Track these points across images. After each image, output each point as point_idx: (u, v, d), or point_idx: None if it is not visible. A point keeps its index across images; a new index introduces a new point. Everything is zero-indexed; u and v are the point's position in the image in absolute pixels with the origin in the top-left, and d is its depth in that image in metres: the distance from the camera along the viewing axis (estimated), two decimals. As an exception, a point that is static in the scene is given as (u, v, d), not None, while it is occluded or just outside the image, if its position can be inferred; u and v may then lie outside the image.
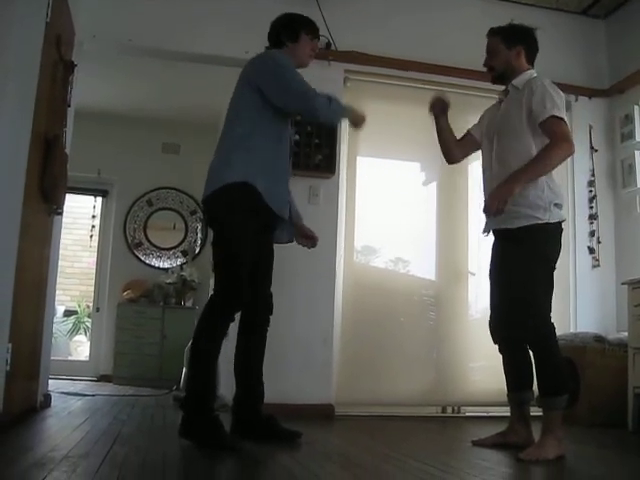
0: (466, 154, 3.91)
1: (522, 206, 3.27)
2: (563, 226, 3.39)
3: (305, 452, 3.14)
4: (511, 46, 3.47)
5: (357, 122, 3.48)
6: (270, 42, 3.56)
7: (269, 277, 3.54)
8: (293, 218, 3.67)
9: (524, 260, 3.30)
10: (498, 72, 3.52)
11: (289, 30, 3.48)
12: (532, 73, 3.45)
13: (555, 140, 3.20)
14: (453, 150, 3.85)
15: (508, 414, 5.01)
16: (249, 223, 3.23)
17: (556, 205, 3.30)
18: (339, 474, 2.58)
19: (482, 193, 3.58)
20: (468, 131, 3.85)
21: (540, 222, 3.25)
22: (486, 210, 3.28)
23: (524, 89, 3.37)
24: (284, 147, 3.41)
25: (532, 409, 3.56)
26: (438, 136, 3.88)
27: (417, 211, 5.49)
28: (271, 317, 3.54)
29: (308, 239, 3.77)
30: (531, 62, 3.52)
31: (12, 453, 2.67)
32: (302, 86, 3.25)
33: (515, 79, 3.45)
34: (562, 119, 3.23)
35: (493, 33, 3.56)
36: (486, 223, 3.52)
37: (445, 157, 3.91)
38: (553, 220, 3.28)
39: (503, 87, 3.61)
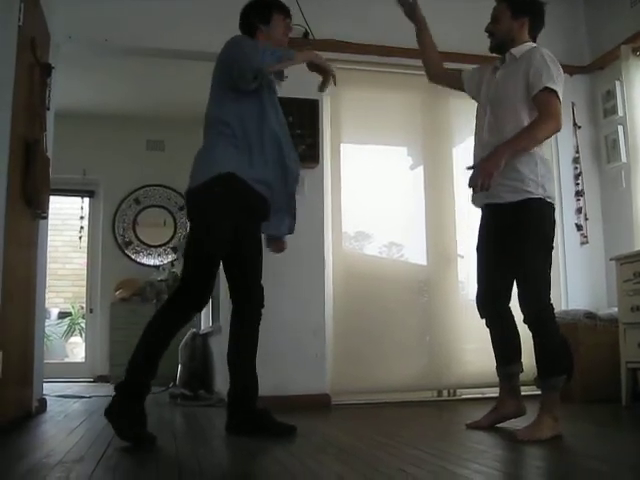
0: (448, 83, 3.89)
1: (514, 180, 3.23)
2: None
3: (300, 445, 3.13)
4: (517, 16, 3.39)
5: (314, 64, 3.40)
6: (242, 28, 3.49)
7: (259, 270, 3.51)
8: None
9: (525, 237, 3.25)
10: (498, 39, 3.44)
11: (260, 12, 3.42)
12: (532, 44, 3.38)
13: (543, 115, 3.17)
14: (436, 68, 3.85)
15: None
16: (229, 222, 3.21)
17: (550, 182, 3.29)
18: (334, 466, 2.58)
19: (472, 159, 3.47)
20: (460, 71, 3.80)
21: (533, 197, 3.21)
22: (472, 184, 3.20)
23: (522, 59, 3.31)
24: (272, 127, 3.32)
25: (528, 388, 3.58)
26: (421, 52, 3.89)
27: (405, 196, 5.50)
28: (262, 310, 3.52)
29: (279, 250, 3.78)
30: (534, 36, 3.45)
31: (5, 461, 2.66)
32: (247, 54, 3.14)
33: (514, 48, 3.38)
34: (555, 92, 3.16)
35: (501, 0, 3.48)
36: (474, 197, 3.45)
37: (427, 73, 3.90)
38: (546, 197, 3.23)
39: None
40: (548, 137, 3.27)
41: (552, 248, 3.32)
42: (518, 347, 3.47)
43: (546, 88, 3.17)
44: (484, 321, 3.56)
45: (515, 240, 3.28)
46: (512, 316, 3.47)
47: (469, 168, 3.27)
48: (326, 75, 3.44)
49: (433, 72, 3.85)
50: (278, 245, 3.72)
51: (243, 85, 3.19)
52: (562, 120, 3.23)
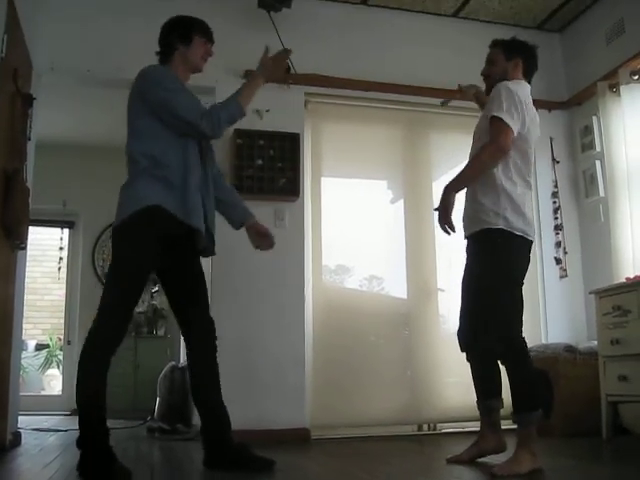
0: None
1: (478, 211, 3.33)
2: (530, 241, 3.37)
3: (280, 480, 3.10)
4: (510, 57, 3.50)
5: (268, 71, 3.37)
6: (160, 46, 3.40)
7: (204, 301, 3.40)
8: (242, 219, 3.58)
9: (484, 267, 3.31)
10: (493, 81, 3.50)
11: (181, 32, 3.33)
12: (518, 82, 3.44)
13: (486, 144, 3.26)
14: None
15: (484, 429, 5.05)
16: (149, 258, 3.13)
17: (515, 214, 3.27)
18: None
19: None
20: None
21: (492, 227, 3.25)
22: (441, 228, 3.31)
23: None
24: (193, 158, 3.23)
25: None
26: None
27: (386, 229, 5.51)
28: (217, 342, 3.41)
29: (263, 237, 3.61)
30: (528, 78, 3.55)
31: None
32: (187, 113, 3.14)
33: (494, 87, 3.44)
34: (500, 119, 3.21)
35: (495, 44, 3.61)
36: (463, 230, 3.51)
37: None
38: (508, 228, 3.25)
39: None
40: (493, 162, 3.27)
41: (517, 279, 3.32)
42: (498, 382, 3.47)
43: (493, 117, 3.25)
44: (464, 355, 3.56)
45: (477, 270, 3.35)
46: None
47: (435, 210, 3.36)
48: (283, 59, 3.45)
49: None
50: (260, 236, 3.59)
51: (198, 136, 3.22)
52: (507, 144, 3.22)
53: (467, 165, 3.32)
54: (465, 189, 3.44)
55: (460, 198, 3.39)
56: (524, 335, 3.28)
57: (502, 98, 3.25)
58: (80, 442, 3.01)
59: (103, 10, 4.88)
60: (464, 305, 3.51)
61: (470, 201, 3.37)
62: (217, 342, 3.40)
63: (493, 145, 3.23)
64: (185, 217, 3.15)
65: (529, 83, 3.54)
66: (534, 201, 5.50)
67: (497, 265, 3.28)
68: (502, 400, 3.50)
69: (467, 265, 3.51)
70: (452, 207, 3.24)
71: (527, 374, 3.22)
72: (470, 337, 3.46)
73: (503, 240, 3.26)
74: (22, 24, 3.92)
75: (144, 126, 3.19)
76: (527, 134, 3.34)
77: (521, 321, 3.28)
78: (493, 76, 3.53)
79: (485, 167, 3.27)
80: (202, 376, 3.36)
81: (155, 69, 3.29)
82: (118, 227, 3.15)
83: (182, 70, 3.36)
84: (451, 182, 3.31)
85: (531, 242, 3.37)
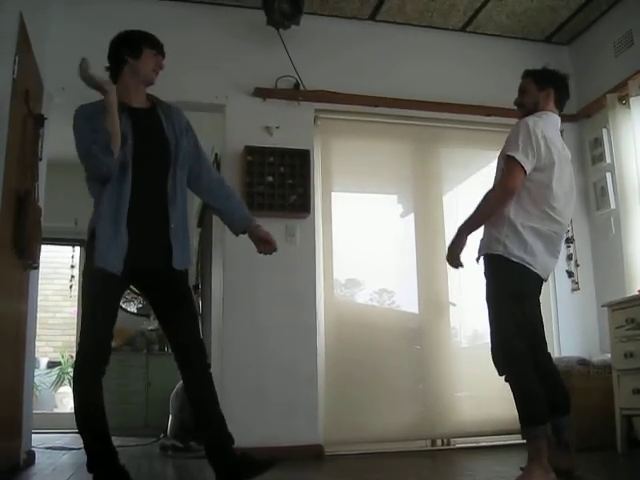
0: None
1: (485, 237, 3.46)
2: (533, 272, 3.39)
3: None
4: (542, 88, 3.55)
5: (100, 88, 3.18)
6: (110, 60, 3.37)
7: (190, 324, 3.31)
8: (241, 226, 3.47)
9: (488, 291, 3.42)
10: (527, 110, 3.56)
11: (130, 46, 3.27)
12: (541, 114, 3.49)
13: (495, 185, 3.38)
14: None
15: (498, 443, 5.04)
16: (102, 293, 3.11)
17: (515, 241, 3.32)
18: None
19: None
20: None
21: (493, 253, 3.35)
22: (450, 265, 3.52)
23: None
24: (126, 192, 3.14)
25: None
26: None
27: (396, 243, 5.51)
28: (209, 361, 3.34)
29: (266, 243, 3.45)
30: (560, 106, 3.62)
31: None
32: (82, 153, 3.19)
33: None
34: (513, 157, 3.28)
35: (527, 74, 3.66)
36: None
37: None
38: (506, 255, 3.32)
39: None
40: (498, 202, 3.35)
41: (516, 298, 3.36)
42: (554, 398, 3.37)
43: (507, 156, 3.32)
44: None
45: (485, 290, 3.45)
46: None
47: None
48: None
49: None
50: (261, 241, 3.45)
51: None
52: (515, 185, 3.28)
53: (476, 207, 3.41)
54: None
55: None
56: (524, 353, 3.29)
57: (519, 137, 3.31)
58: (90, 465, 3.02)
59: (113, 30, 4.90)
60: None
61: (485, 227, 3.47)
62: (209, 361, 3.33)
63: (500, 188, 3.34)
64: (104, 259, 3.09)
65: (561, 111, 3.62)
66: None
67: (495, 287, 3.39)
68: (565, 419, 3.45)
69: None
70: (463, 248, 3.40)
71: (521, 389, 3.23)
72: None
73: (500, 264, 3.35)
74: (33, 45, 3.96)
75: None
76: (545, 167, 3.36)
77: (520, 336, 3.30)
78: (526, 105, 3.59)
79: (494, 209, 3.36)
80: (201, 398, 3.30)
81: (75, 114, 3.31)
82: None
83: (133, 83, 3.31)
84: (464, 224, 3.44)
85: (534, 273, 3.38)
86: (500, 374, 3.36)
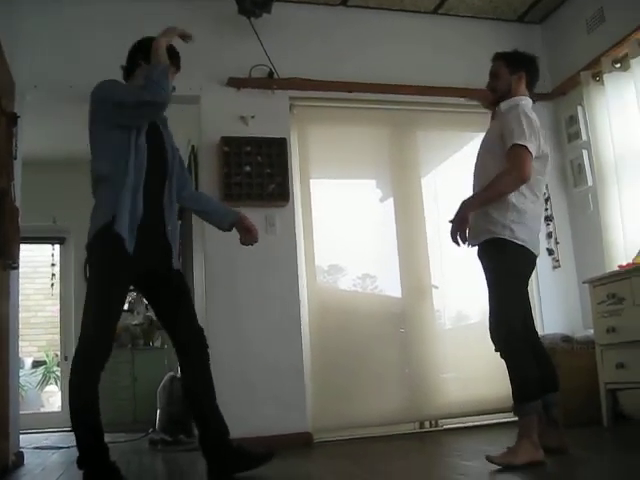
0: None
1: (487, 222, 3.43)
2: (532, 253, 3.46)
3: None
4: (514, 70, 3.58)
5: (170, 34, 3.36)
6: (127, 61, 3.49)
7: (190, 311, 3.41)
8: (230, 220, 3.58)
9: (490, 272, 3.45)
10: (500, 94, 3.60)
11: (146, 51, 3.36)
12: (520, 100, 3.53)
13: (507, 168, 3.33)
14: None
15: (485, 423, 5.08)
16: (113, 275, 3.14)
17: (520, 225, 3.37)
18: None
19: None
20: None
21: (497, 237, 3.36)
22: (453, 240, 3.43)
23: (507, 113, 3.49)
24: (137, 166, 3.22)
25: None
26: None
27: (377, 228, 5.52)
28: (210, 350, 3.42)
29: (248, 231, 3.56)
30: (530, 88, 3.64)
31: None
32: (131, 96, 3.20)
33: (503, 102, 3.56)
34: (523, 146, 3.30)
35: (497, 57, 3.68)
36: (468, 239, 3.57)
37: None
38: (512, 238, 3.35)
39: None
40: (513, 188, 3.36)
41: (523, 282, 3.47)
42: (548, 375, 3.44)
43: (516, 145, 3.31)
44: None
45: (485, 272, 3.48)
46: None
47: (449, 222, 3.46)
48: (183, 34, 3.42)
49: None
50: (246, 230, 3.57)
51: (146, 120, 3.27)
52: (529, 173, 3.30)
53: (488, 187, 3.37)
54: None
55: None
56: (521, 331, 3.36)
57: (524, 126, 3.34)
58: (80, 461, 3.01)
59: (83, 26, 4.87)
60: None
61: (480, 213, 3.43)
62: (209, 350, 3.41)
63: (516, 173, 3.31)
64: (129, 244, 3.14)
65: (532, 92, 3.65)
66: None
67: (499, 270, 3.41)
68: (554, 395, 3.48)
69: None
70: (467, 223, 3.38)
71: (519, 366, 3.28)
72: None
73: (506, 248, 3.38)
74: (3, 44, 3.91)
75: (95, 140, 3.29)
76: (541, 156, 3.43)
77: (520, 315, 3.39)
78: (499, 89, 3.61)
79: (505, 192, 3.36)
80: (196, 387, 3.36)
81: (106, 83, 3.31)
82: (87, 247, 3.22)
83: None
84: (470, 200, 3.41)
85: (534, 255, 3.48)
86: (498, 350, 3.40)
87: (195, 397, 3.37)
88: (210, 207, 3.65)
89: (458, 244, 3.42)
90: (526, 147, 3.30)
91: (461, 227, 3.39)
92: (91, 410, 3.05)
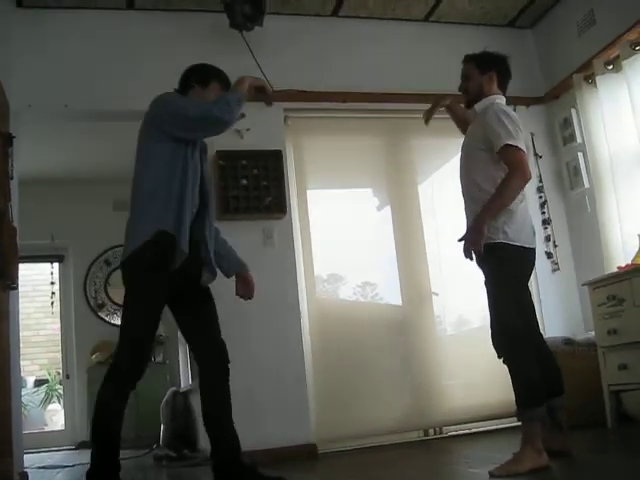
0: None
1: None
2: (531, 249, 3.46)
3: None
4: (484, 71, 3.57)
5: (258, 88, 3.52)
6: (180, 84, 3.53)
7: (216, 325, 3.43)
8: (236, 269, 3.62)
9: (489, 278, 3.42)
10: (472, 95, 3.60)
11: (200, 75, 3.48)
12: (494, 99, 3.53)
13: (510, 172, 3.31)
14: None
15: (489, 428, 5.07)
16: (161, 286, 3.15)
17: (513, 226, 3.35)
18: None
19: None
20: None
21: (492, 242, 3.32)
22: (466, 256, 3.40)
23: (483, 114, 3.48)
24: (192, 181, 3.27)
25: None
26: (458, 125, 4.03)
27: (375, 236, 5.52)
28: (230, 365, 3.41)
29: (248, 286, 3.63)
30: (503, 88, 3.63)
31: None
32: (198, 108, 3.24)
33: (477, 104, 3.57)
34: (515, 146, 3.30)
35: (468, 59, 3.67)
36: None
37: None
38: (507, 241, 3.33)
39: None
40: (521, 188, 3.36)
41: (518, 284, 3.44)
42: (553, 379, 3.43)
43: (508, 145, 3.30)
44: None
45: (485, 277, 3.45)
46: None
47: (459, 240, 3.42)
48: (265, 89, 3.59)
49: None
50: (246, 285, 3.63)
51: (205, 134, 3.38)
52: (530, 172, 3.33)
53: (497, 196, 3.32)
54: (465, 208, 3.56)
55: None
56: (524, 335, 3.33)
57: (507, 124, 3.34)
58: (90, 474, 2.99)
59: (77, 44, 4.89)
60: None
61: (472, 221, 3.42)
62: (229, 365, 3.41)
63: (519, 175, 3.30)
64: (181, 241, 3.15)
65: (503, 91, 3.63)
66: (520, 197, 5.50)
67: (498, 275, 3.38)
68: (559, 399, 3.47)
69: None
70: (484, 236, 3.29)
71: (522, 371, 3.26)
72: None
73: (504, 252, 3.34)
74: (-4, 64, 3.92)
75: (149, 153, 3.27)
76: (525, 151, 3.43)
77: (521, 318, 3.35)
78: (471, 90, 3.62)
79: (515, 196, 3.33)
80: (213, 400, 3.35)
81: (167, 94, 3.39)
82: (126, 261, 3.18)
83: None
84: (482, 214, 3.33)
85: (532, 250, 3.47)
86: (501, 357, 3.37)
87: (212, 411, 3.35)
88: (223, 250, 3.61)
89: (471, 258, 3.40)
90: (517, 146, 3.30)
91: (479, 243, 3.30)
92: (115, 424, 3.05)
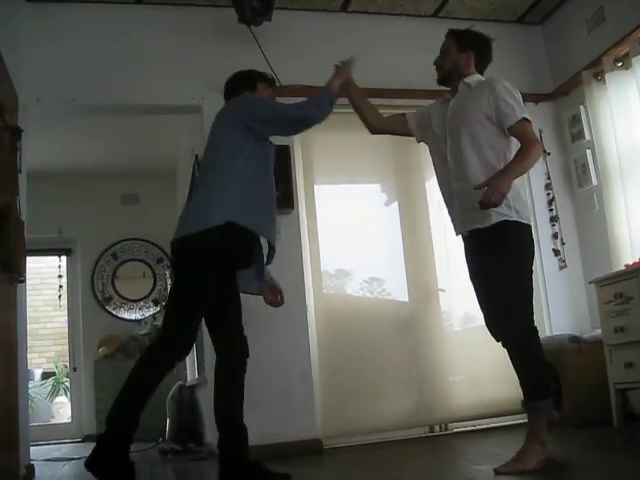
0: (392, 130, 3.88)
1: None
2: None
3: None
4: (462, 49, 3.48)
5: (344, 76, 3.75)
6: (229, 94, 3.68)
7: (240, 321, 3.50)
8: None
9: (500, 265, 3.25)
10: (445, 72, 3.53)
11: (244, 81, 3.66)
12: (483, 77, 3.48)
13: (528, 144, 3.22)
14: (376, 118, 3.82)
15: (495, 425, 5.07)
16: (215, 273, 3.24)
17: (520, 202, 3.30)
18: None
19: (441, 196, 3.56)
20: (403, 114, 3.79)
21: (509, 219, 3.22)
22: (486, 201, 3.07)
23: (482, 88, 3.37)
24: (270, 179, 3.57)
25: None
26: (356, 109, 3.89)
27: (382, 232, 5.53)
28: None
29: (276, 294, 3.86)
30: (481, 70, 3.53)
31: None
32: (292, 109, 3.46)
33: (467, 78, 3.45)
34: (530, 121, 3.28)
35: (449, 34, 3.58)
36: (455, 226, 3.48)
37: (368, 128, 3.85)
38: (521, 219, 3.26)
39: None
40: (537, 161, 3.34)
41: (530, 268, 3.35)
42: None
43: (524, 119, 3.26)
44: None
45: (492, 261, 3.27)
46: None
47: (476, 188, 3.15)
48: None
49: (374, 124, 3.81)
50: (274, 292, 3.86)
51: (289, 133, 3.90)
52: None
53: (517, 164, 3.18)
54: (456, 188, 3.41)
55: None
56: (536, 326, 3.29)
57: (519, 99, 3.31)
58: (104, 438, 3.00)
59: (85, 38, 4.90)
60: (482, 301, 3.41)
61: (474, 194, 3.15)
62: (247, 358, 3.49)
63: (539, 148, 3.31)
64: (261, 231, 3.48)
65: (481, 74, 3.53)
66: (528, 195, 5.49)
67: (515, 256, 3.26)
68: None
69: (477, 264, 3.41)
70: (508, 191, 3.10)
71: (536, 361, 3.22)
72: (493, 332, 3.36)
73: (519, 231, 3.27)
74: (5, 57, 3.92)
75: (229, 146, 3.42)
76: None
77: (532, 308, 3.29)
78: (445, 66, 3.54)
79: (532, 165, 3.29)
80: (230, 394, 3.40)
81: (252, 96, 3.61)
82: (185, 240, 3.25)
83: None
84: (510, 169, 3.16)
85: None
86: (499, 341, 3.30)
87: (224, 403, 3.40)
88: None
89: (487, 207, 3.10)
90: (530, 122, 3.28)
91: (503, 191, 3.04)
92: (138, 407, 3.08)
